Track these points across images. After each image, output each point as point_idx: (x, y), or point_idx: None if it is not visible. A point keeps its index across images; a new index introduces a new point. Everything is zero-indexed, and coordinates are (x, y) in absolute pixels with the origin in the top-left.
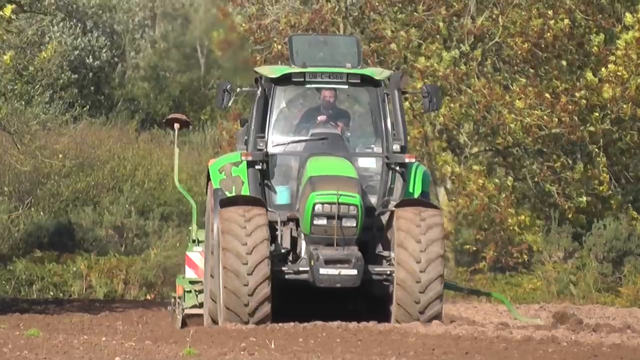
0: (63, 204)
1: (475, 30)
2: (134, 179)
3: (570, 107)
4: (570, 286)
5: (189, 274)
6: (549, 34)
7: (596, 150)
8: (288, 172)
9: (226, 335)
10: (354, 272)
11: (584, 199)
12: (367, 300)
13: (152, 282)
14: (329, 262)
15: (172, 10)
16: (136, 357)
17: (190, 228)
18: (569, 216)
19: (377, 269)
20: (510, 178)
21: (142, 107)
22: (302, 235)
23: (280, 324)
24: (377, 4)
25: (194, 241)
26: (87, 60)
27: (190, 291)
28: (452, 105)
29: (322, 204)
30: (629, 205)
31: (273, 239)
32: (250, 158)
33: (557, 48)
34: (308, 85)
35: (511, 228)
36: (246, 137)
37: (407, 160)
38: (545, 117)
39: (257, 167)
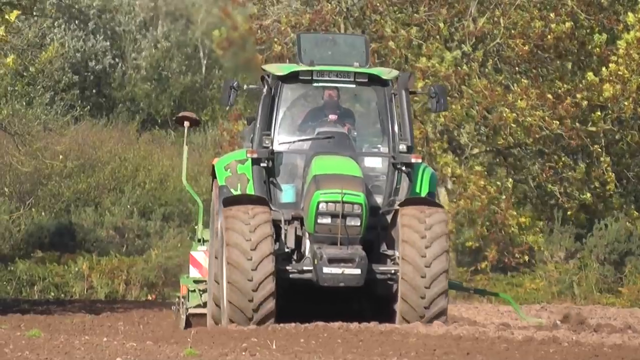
0: (64, 204)
1: (476, 32)
2: (135, 179)
3: (572, 109)
4: (573, 286)
5: (193, 273)
6: (550, 36)
7: (599, 150)
8: (293, 170)
9: (227, 336)
10: (358, 271)
11: (587, 195)
12: (371, 300)
13: (153, 283)
14: (332, 261)
15: (175, 10)
16: (137, 357)
17: (195, 227)
18: (570, 215)
19: (382, 268)
20: (510, 180)
21: (143, 107)
22: (307, 234)
23: (281, 325)
24: (377, 4)
25: (199, 240)
26: (90, 64)
27: (194, 290)
28: (453, 106)
29: (327, 202)
30: (631, 205)
31: (277, 237)
32: (255, 155)
33: (559, 49)
34: (315, 84)
35: (512, 229)
36: (252, 135)
37: (413, 160)
38: (547, 117)
39: (262, 164)
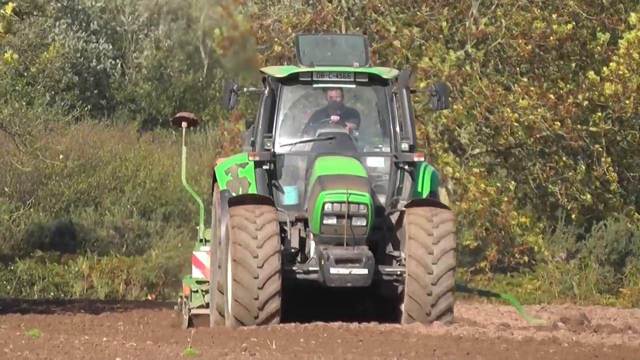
0: (64, 204)
1: (477, 33)
2: (136, 179)
3: (574, 109)
4: (574, 286)
5: (196, 273)
6: (552, 37)
7: (599, 149)
8: (296, 172)
9: (227, 336)
10: (365, 271)
11: (588, 196)
12: (375, 301)
13: (153, 283)
14: (339, 262)
15: (177, 8)
16: (137, 357)
17: (197, 227)
18: (574, 218)
19: (388, 269)
20: (513, 182)
21: (144, 107)
22: (311, 235)
23: (281, 325)
24: (379, 4)
25: (201, 241)
26: (92, 64)
27: (197, 291)
28: (454, 106)
29: (332, 203)
30: (632, 205)
31: (282, 239)
32: (257, 158)
33: (561, 51)
34: (315, 85)
35: (512, 230)
36: (252, 138)
37: (416, 159)
38: (548, 116)
39: (264, 167)
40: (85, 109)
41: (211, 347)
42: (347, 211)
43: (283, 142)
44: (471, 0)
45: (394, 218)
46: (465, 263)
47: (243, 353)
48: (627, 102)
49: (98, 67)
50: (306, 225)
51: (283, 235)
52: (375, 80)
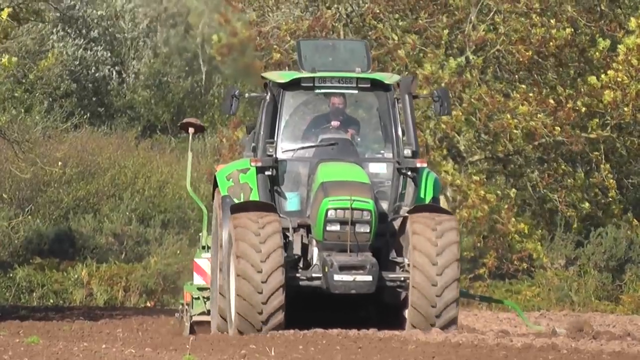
0: (63, 211)
1: (476, 39)
2: (134, 186)
3: (573, 115)
4: (572, 293)
5: (197, 280)
6: (551, 43)
7: (598, 157)
8: (298, 178)
9: (226, 342)
10: (369, 278)
11: (586, 204)
12: (378, 308)
13: (152, 290)
14: (343, 268)
15: (176, 14)
16: None
17: (200, 234)
18: (574, 227)
19: (391, 275)
20: (513, 190)
21: (143, 114)
22: (314, 241)
23: (280, 332)
24: (378, 11)
25: (203, 247)
26: (90, 71)
27: (198, 298)
28: (454, 112)
29: (335, 209)
30: (630, 213)
31: (284, 245)
32: (260, 164)
33: (560, 57)
34: (317, 91)
35: (511, 237)
36: (254, 144)
37: (418, 165)
38: (548, 122)
39: (267, 173)
40: (84, 116)
41: (210, 353)
42: (351, 218)
43: (285, 147)
44: (470, 7)
45: (396, 224)
46: (464, 270)
47: None
48: (625, 109)
49: (97, 74)
50: (308, 231)
51: (285, 241)
52: (377, 85)
